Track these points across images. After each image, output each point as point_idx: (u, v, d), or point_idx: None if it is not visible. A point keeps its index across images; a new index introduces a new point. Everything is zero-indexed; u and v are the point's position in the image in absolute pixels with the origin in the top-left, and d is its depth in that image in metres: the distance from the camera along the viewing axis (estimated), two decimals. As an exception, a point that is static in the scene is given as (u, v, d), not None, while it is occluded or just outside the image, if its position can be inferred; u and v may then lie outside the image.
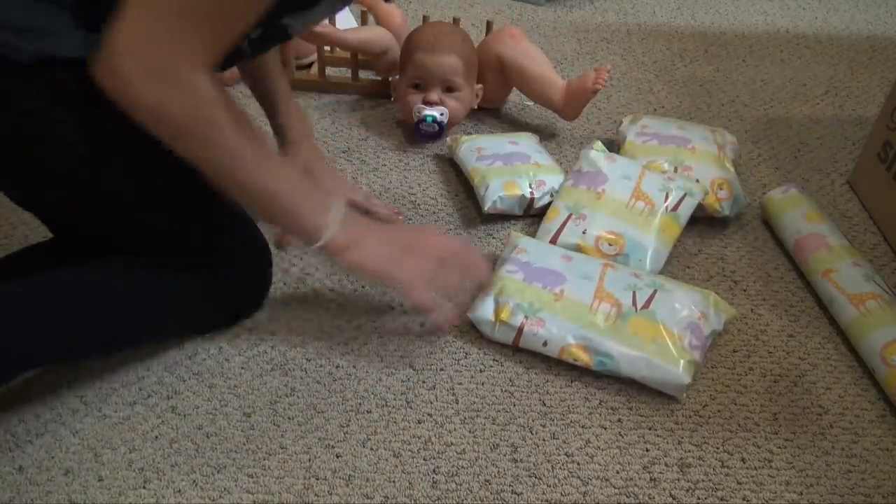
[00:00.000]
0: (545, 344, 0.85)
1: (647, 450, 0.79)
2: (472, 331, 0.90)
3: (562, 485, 0.75)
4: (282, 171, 0.75)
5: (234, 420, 0.79)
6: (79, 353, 0.79)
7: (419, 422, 0.80)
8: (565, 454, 0.78)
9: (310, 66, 1.38)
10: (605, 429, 0.81)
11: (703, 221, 1.07)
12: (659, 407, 0.83)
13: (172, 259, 0.79)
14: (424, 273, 0.82)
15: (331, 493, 0.73)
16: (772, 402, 0.85)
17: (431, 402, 0.82)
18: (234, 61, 0.81)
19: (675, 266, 1.02)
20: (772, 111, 1.39)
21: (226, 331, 0.88)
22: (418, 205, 1.10)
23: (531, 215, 1.08)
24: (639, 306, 0.86)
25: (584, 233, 0.98)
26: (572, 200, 1.02)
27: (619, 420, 0.82)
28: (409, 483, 0.74)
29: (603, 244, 0.97)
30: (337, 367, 0.86)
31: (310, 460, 0.76)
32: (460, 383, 0.85)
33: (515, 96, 1.32)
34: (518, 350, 0.88)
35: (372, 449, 0.77)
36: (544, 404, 0.83)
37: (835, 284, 0.93)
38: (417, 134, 1.20)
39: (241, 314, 0.89)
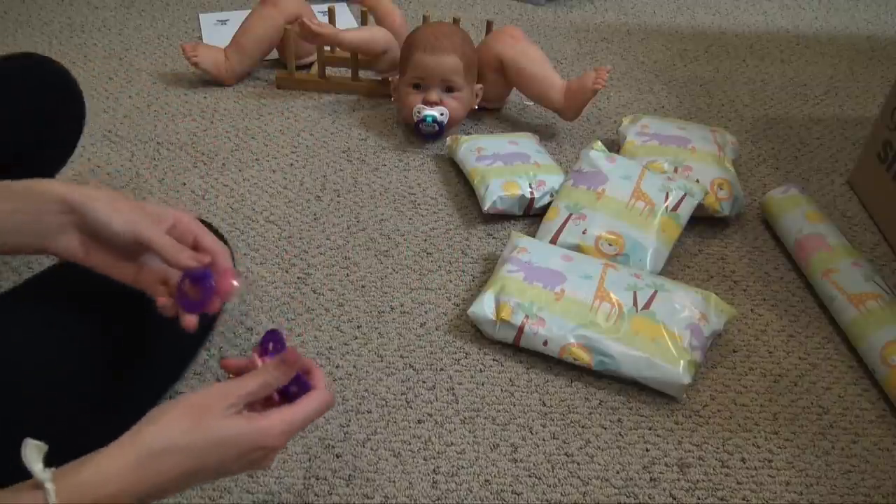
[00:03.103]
0: (546, 343, 0.85)
1: (647, 450, 0.79)
2: (472, 331, 0.90)
3: (562, 485, 0.75)
4: None
5: (234, 420, 0.79)
6: None
7: (419, 422, 0.80)
8: (565, 454, 0.78)
9: (310, 66, 1.38)
10: (605, 429, 0.81)
11: (703, 221, 1.07)
12: (659, 407, 0.83)
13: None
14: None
15: (331, 493, 0.73)
16: (772, 402, 0.85)
17: (431, 402, 0.82)
18: None
19: (675, 266, 1.02)
20: (772, 111, 1.39)
21: (225, 331, 0.88)
22: (418, 205, 1.10)
23: (531, 215, 1.08)
24: (639, 307, 0.86)
25: (584, 233, 0.98)
26: (572, 200, 1.02)
27: (619, 420, 0.82)
28: (409, 483, 0.74)
29: (603, 244, 0.97)
30: (337, 367, 0.86)
31: (310, 460, 0.76)
32: (460, 383, 0.85)
33: (515, 96, 1.32)
34: (518, 350, 0.88)
35: (372, 449, 0.77)
36: (544, 404, 0.83)
37: (835, 284, 0.93)
38: (417, 134, 1.20)
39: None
